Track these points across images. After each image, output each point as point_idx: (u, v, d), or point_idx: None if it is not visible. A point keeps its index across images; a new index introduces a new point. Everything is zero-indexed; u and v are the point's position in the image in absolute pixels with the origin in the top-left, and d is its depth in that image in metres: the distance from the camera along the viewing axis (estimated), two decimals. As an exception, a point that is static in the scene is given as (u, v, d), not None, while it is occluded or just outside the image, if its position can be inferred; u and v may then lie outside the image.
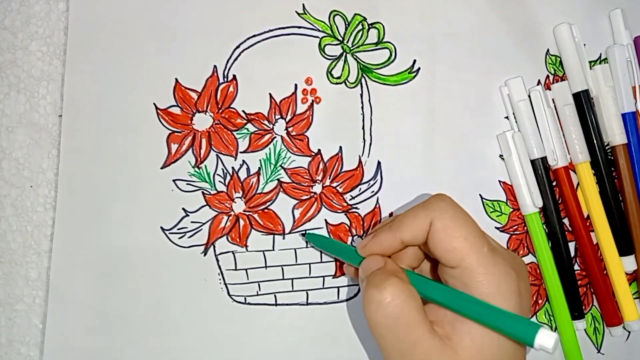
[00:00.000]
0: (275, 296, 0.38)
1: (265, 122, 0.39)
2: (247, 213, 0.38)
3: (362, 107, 0.40)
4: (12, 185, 0.37)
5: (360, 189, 0.39)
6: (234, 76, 0.38)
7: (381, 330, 0.29)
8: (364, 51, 0.40)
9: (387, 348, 0.30)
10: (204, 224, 0.38)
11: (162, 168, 0.38)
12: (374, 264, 0.32)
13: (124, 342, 0.37)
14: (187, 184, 0.38)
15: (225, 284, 0.38)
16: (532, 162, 0.40)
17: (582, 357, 0.40)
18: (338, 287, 0.39)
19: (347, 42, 0.40)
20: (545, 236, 0.40)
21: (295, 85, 0.39)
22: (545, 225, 0.40)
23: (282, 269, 0.38)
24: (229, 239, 0.38)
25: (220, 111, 0.38)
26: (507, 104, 0.41)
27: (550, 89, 0.41)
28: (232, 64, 0.38)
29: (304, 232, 0.38)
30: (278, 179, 0.39)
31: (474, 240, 0.30)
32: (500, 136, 0.40)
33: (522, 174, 0.40)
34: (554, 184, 0.41)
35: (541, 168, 0.39)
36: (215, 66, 0.38)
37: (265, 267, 0.38)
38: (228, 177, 0.38)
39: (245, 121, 0.38)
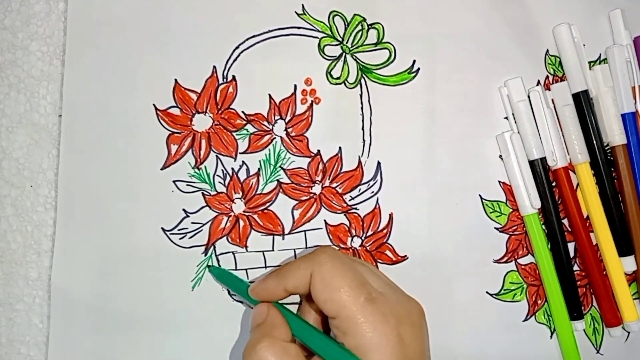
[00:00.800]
0: (274, 296, 0.38)
1: (265, 123, 0.39)
2: (247, 214, 0.38)
3: (362, 108, 0.40)
4: (12, 185, 0.38)
5: (359, 190, 0.39)
6: (234, 77, 0.38)
7: None
8: (364, 51, 0.40)
9: None
10: (204, 224, 0.38)
11: (162, 169, 0.38)
12: (257, 317, 0.33)
13: (125, 342, 0.37)
14: (187, 184, 0.38)
15: (225, 284, 0.38)
16: (532, 162, 0.40)
17: (579, 357, 0.40)
18: (337, 287, 0.39)
19: (347, 42, 0.40)
20: (544, 237, 0.40)
21: (295, 85, 0.39)
22: (544, 225, 0.40)
23: (282, 269, 0.38)
24: (229, 239, 0.38)
25: (220, 112, 0.38)
26: (507, 104, 0.41)
27: (549, 90, 0.41)
28: (232, 64, 0.38)
29: (209, 265, 0.38)
30: (278, 180, 0.39)
31: (350, 291, 0.30)
32: (498, 137, 0.40)
33: (520, 175, 0.40)
34: (554, 184, 0.41)
35: (540, 169, 0.40)
36: (214, 67, 0.38)
37: (265, 267, 0.38)
38: (228, 178, 0.38)
39: (244, 122, 0.38)
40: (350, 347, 0.30)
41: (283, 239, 0.38)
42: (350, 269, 0.31)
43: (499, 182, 0.41)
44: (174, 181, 0.38)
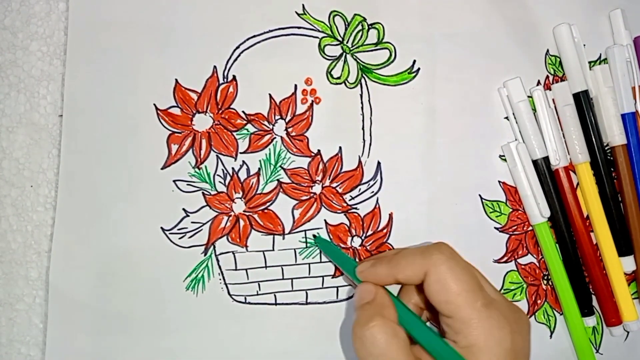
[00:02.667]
0: (275, 296, 0.38)
1: (265, 123, 0.39)
2: (247, 213, 0.38)
3: (362, 108, 0.40)
4: (12, 185, 0.37)
5: (360, 190, 0.39)
6: (234, 77, 0.39)
7: None
8: (364, 51, 0.40)
9: None
10: (204, 224, 0.38)
11: (162, 168, 0.38)
12: (365, 295, 0.33)
13: (124, 342, 0.37)
14: (188, 184, 0.38)
15: (225, 283, 0.38)
16: (535, 162, 0.40)
17: (594, 357, 0.40)
18: (337, 287, 0.39)
19: (347, 42, 0.40)
20: (555, 245, 0.40)
21: (295, 85, 0.39)
22: (552, 227, 0.40)
23: (282, 269, 0.38)
24: (229, 239, 0.38)
25: (220, 112, 0.38)
26: (507, 105, 0.41)
27: (550, 89, 0.41)
28: (232, 64, 0.38)
29: (314, 235, 0.39)
30: (278, 180, 0.39)
31: (467, 295, 0.31)
32: (504, 147, 0.40)
33: (528, 185, 0.40)
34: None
35: (544, 168, 0.39)
36: (215, 67, 0.38)
37: (265, 267, 0.38)
38: (228, 178, 0.38)
39: (245, 122, 0.38)
40: (460, 347, 0.30)
41: (283, 238, 0.38)
42: (467, 272, 0.32)
43: (499, 182, 0.41)
44: (174, 181, 0.38)
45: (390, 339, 0.30)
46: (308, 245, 0.39)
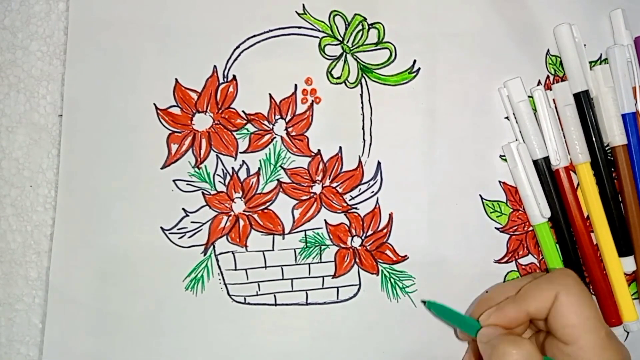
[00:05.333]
0: (274, 296, 0.38)
1: (265, 123, 0.39)
2: (247, 213, 0.38)
3: (362, 107, 0.40)
4: (12, 185, 0.37)
5: (360, 189, 0.39)
6: (234, 76, 0.38)
7: None
8: (364, 51, 0.40)
9: None
10: (203, 224, 0.38)
11: (162, 168, 0.38)
12: (497, 330, 0.33)
13: (124, 342, 0.37)
14: (187, 184, 0.38)
15: (225, 284, 0.38)
16: (535, 162, 0.40)
17: None
18: (337, 287, 0.39)
19: (347, 42, 0.40)
20: (555, 245, 0.40)
21: (295, 85, 0.39)
22: (552, 227, 0.40)
23: (282, 269, 0.38)
24: (229, 239, 0.38)
25: (220, 111, 0.38)
26: (507, 105, 0.40)
27: (550, 89, 0.41)
28: (232, 64, 0.38)
29: (424, 301, 0.39)
30: (278, 179, 0.39)
31: (595, 322, 0.31)
32: (505, 147, 0.40)
33: (528, 185, 0.39)
34: (554, 184, 0.41)
35: (545, 168, 0.39)
36: (215, 66, 0.38)
37: (265, 267, 0.38)
38: (228, 177, 0.38)
39: (245, 121, 0.38)
40: None
41: (283, 238, 0.38)
42: (592, 299, 0.32)
43: (499, 182, 0.41)
44: (174, 180, 0.38)
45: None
46: (308, 245, 0.39)
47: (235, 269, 0.38)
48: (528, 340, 0.31)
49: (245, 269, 0.38)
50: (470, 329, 0.35)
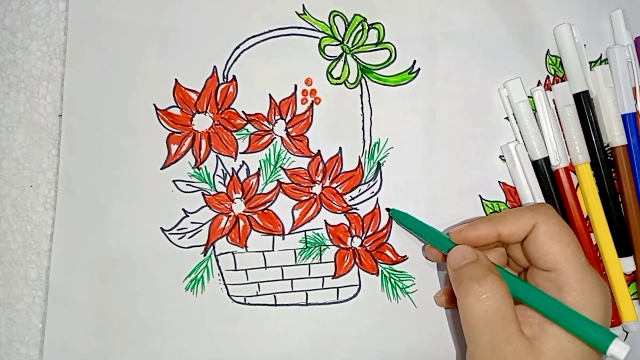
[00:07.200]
0: (274, 296, 0.38)
1: (265, 123, 0.39)
2: (247, 214, 0.38)
3: (362, 108, 0.40)
4: (12, 185, 0.37)
5: (360, 190, 0.39)
6: (234, 77, 0.38)
7: (476, 322, 0.31)
8: (364, 52, 0.40)
9: (478, 341, 0.31)
10: (203, 224, 0.38)
11: (162, 169, 0.38)
12: (467, 256, 0.33)
13: (123, 343, 0.37)
14: (187, 184, 0.38)
15: (225, 284, 0.38)
16: (535, 162, 0.40)
17: None
18: (337, 288, 0.39)
19: (347, 42, 0.40)
20: None
21: (295, 85, 0.39)
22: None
23: (282, 270, 0.38)
24: (229, 239, 0.38)
25: (220, 112, 0.38)
26: (507, 105, 0.40)
27: (550, 90, 0.41)
28: (232, 64, 0.38)
29: (388, 208, 0.39)
30: (278, 180, 0.39)
31: (575, 248, 0.32)
32: (503, 147, 0.40)
33: (527, 186, 0.39)
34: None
35: (544, 169, 0.39)
36: (215, 67, 0.38)
37: (265, 267, 0.38)
38: (228, 178, 0.38)
39: (245, 122, 0.38)
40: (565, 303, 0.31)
41: (283, 239, 0.38)
42: (571, 230, 0.33)
43: (499, 182, 0.41)
44: (173, 181, 0.38)
45: (506, 296, 0.31)
46: (308, 245, 0.39)
47: (235, 270, 0.38)
48: (494, 275, 0.31)
49: (245, 270, 0.38)
50: (438, 243, 0.36)
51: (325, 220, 0.39)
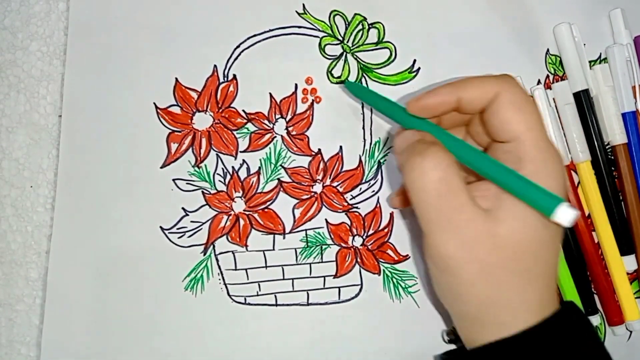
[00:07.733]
0: (275, 296, 0.38)
1: (266, 122, 0.39)
2: (247, 213, 0.38)
3: (363, 107, 0.40)
4: (12, 186, 0.37)
5: (360, 189, 0.39)
6: (234, 76, 0.38)
7: (424, 195, 0.29)
8: (364, 51, 0.40)
9: (429, 215, 0.30)
10: (203, 223, 0.38)
11: (161, 167, 0.38)
12: (410, 136, 0.32)
13: (123, 343, 0.37)
14: (187, 183, 0.38)
15: (225, 284, 0.38)
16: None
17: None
18: (339, 288, 0.39)
19: (347, 41, 0.40)
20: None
21: (296, 84, 0.39)
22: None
23: (283, 269, 0.38)
24: (229, 238, 0.38)
25: (221, 110, 0.38)
26: (508, 103, 0.40)
27: (550, 89, 0.41)
28: (233, 63, 0.38)
29: (343, 80, 0.38)
30: (278, 179, 0.38)
31: (538, 118, 0.30)
32: None
33: None
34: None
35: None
36: (215, 66, 0.38)
37: (266, 267, 0.38)
38: (228, 177, 0.38)
39: (245, 121, 0.38)
40: (524, 174, 0.29)
41: (284, 238, 0.38)
42: (534, 102, 0.32)
43: (500, 181, 0.41)
44: (173, 180, 0.38)
45: (451, 165, 0.29)
46: (309, 244, 0.38)
47: (236, 269, 0.38)
48: (437, 147, 0.30)
49: (246, 269, 0.38)
50: (396, 115, 0.34)
51: (326, 219, 0.39)
